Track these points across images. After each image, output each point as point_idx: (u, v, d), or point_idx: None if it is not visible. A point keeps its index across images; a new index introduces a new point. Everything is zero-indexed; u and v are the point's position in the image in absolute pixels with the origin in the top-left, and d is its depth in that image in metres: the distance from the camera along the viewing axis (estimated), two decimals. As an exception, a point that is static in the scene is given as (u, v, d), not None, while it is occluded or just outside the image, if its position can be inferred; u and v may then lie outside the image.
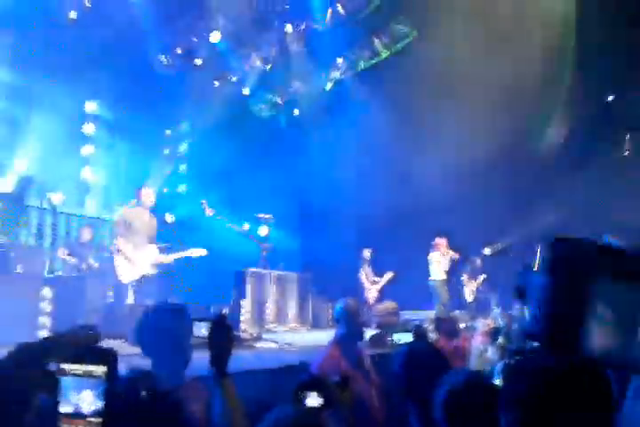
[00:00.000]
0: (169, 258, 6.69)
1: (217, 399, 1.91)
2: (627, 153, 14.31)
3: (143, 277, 6.42)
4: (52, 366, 1.49)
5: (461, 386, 1.73)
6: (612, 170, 12.88)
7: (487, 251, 13.64)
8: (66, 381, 1.36)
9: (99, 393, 1.33)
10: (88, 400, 1.33)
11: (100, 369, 1.35)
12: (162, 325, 2.47)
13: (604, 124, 12.97)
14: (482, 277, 11.45)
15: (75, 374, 1.36)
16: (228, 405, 1.90)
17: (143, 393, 1.33)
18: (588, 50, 11.85)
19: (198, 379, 2.38)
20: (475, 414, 1.57)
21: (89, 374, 1.36)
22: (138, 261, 6.34)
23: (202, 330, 2.07)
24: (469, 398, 1.65)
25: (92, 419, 1.33)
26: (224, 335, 2.02)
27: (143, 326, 2.59)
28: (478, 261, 11.56)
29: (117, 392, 1.38)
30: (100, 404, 1.32)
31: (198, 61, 11.83)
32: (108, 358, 1.37)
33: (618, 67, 11.65)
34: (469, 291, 11.16)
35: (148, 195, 6.55)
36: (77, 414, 1.33)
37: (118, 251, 6.32)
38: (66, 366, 1.36)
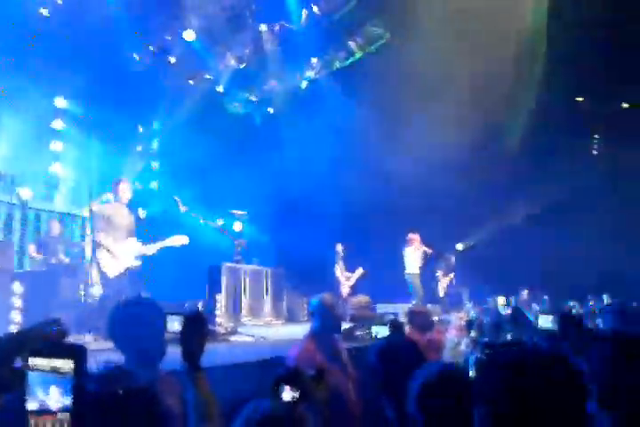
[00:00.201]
0: (151, 248, 6.62)
1: (190, 394, 1.90)
2: (595, 152, 14.61)
3: (127, 269, 6.35)
4: (18, 362, 1.44)
5: (435, 379, 1.74)
6: (582, 167, 13.14)
7: (459, 247, 13.83)
8: (32, 376, 1.32)
9: (66, 389, 1.29)
10: (55, 396, 1.30)
11: (67, 364, 1.31)
12: (134, 319, 2.44)
13: (574, 122, 13.21)
14: (451, 275, 11.65)
15: (41, 370, 1.32)
16: (202, 400, 1.89)
17: (117, 389, 1.30)
18: (559, 50, 12.06)
19: (172, 373, 2.36)
20: (448, 406, 1.58)
21: (56, 370, 1.32)
22: (121, 254, 6.28)
23: (175, 324, 2.05)
24: (443, 391, 1.67)
25: (61, 416, 1.30)
26: (198, 330, 2.01)
27: (115, 321, 2.56)
28: (452, 259, 11.74)
29: (88, 388, 1.35)
30: (67, 400, 1.28)
31: (172, 59, 11.71)
32: (76, 353, 1.33)
33: (588, 68, 11.89)
34: (442, 286, 11.31)
35: (125, 189, 6.46)
36: (45, 411, 1.30)
37: (100, 245, 6.24)
38: (32, 362, 1.32)
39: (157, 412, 1.29)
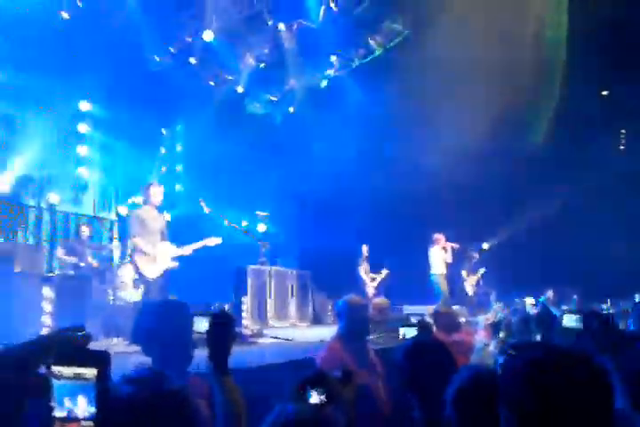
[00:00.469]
0: (187, 249, 6.66)
1: (217, 397, 1.90)
2: (622, 147, 14.33)
3: (166, 270, 6.43)
4: (42, 370, 1.42)
5: (469, 383, 1.72)
6: (609, 163, 12.90)
7: (485, 246, 13.67)
8: (59, 385, 1.31)
9: (92, 397, 1.27)
10: (83, 405, 1.28)
11: (91, 372, 1.30)
12: (161, 322, 2.44)
13: (600, 118, 12.99)
14: (481, 270, 11.47)
15: (65, 377, 1.31)
16: (230, 403, 1.89)
17: (150, 391, 1.30)
18: (581, 45, 11.87)
19: (200, 375, 2.37)
20: (483, 411, 1.56)
21: (80, 377, 1.31)
22: (159, 256, 6.35)
23: (202, 325, 2.03)
24: (477, 396, 1.64)
25: (85, 423, 1.28)
26: (225, 331, 2.00)
27: (141, 324, 2.57)
28: (476, 256, 11.59)
29: (122, 390, 1.35)
30: (93, 408, 1.26)
31: (192, 60, 11.81)
32: (100, 360, 1.31)
33: (610, 61, 11.68)
34: (469, 286, 11.19)
35: (157, 193, 6.49)
36: (71, 419, 1.29)
37: (138, 249, 6.30)
38: (56, 369, 1.31)
39: (189, 415, 1.29)
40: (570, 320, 2.60)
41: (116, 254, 9.47)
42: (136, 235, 6.31)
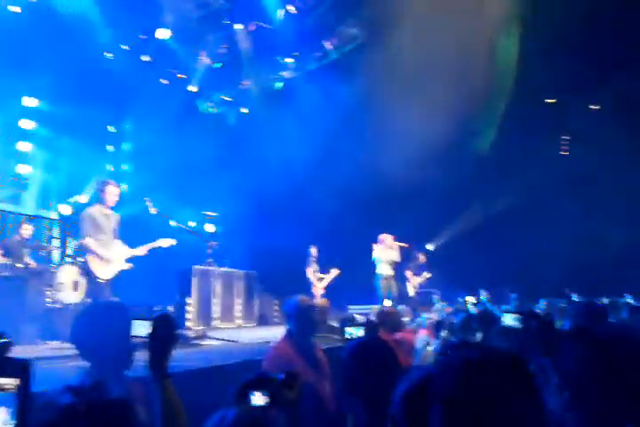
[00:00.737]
0: (141, 250, 6.49)
1: (157, 401, 1.87)
2: (562, 153, 14.89)
3: (119, 272, 6.23)
4: None
5: (420, 385, 1.74)
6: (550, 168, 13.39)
7: (430, 247, 13.94)
8: None
9: (13, 409, 1.21)
10: (2, 416, 1.21)
11: (11, 382, 1.24)
12: (99, 325, 2.36)
13: (543, 124, 13.45)
14: (426, 274, 11.65)
15: None
16: (168, 408, 1.85)
17: (92, 400, 1.24)
18: (531, 53, 12.26)
19: (139, 380, 2.32)
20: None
21: (0, 388, 1.24)
22: (112, 257, 6.16)
23: (142, 330, 2.00)
24: (424, 398, 1.66)
25: None
26: (165, 335, 1.97)
27: (80, 327, 2.49)
28: (421, 257, 11.77)
29: (62, 400, 1.30)
30: (14, 421, 1.19)
31: (145, 58, 11.57)
32: (21, 368, 1.26)
33: (559, 69, 12.11)
34: (411, 287, 11.35)
35: (113, 193, 6.26)
36: None
37: (89, 250, 6.08)
38: None
39: (130, 425, 1.26)
40: (509, 320, 2.68)
41: (56, 255, 9.16)
42: (88, 235, 6.10)
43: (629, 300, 8.93)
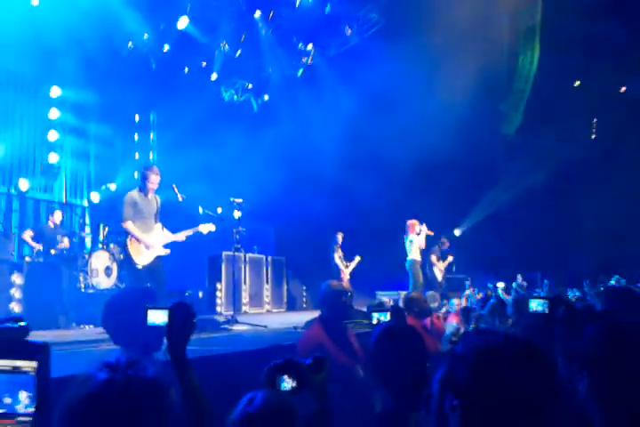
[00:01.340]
0: (180, 236, 6.53)
1: (176, 389, 1.88)
2: (593, 137, 14.59)
3: (157, 258, 6.28)
4: None
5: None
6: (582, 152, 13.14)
7: (457, 232, 13.81)
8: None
9: (32, 391, 1.22)
10: (22, 399, 1.22)
11: (30, 365, 1.24)
12: (130, 310, 2.37)
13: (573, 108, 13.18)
14: (450, 257, 11.54)
15: (3, 371, 1.24)
16: (187, 395, 1.86)
17: (129, 377, 1.25)
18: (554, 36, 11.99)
19: (168, 363, 2.34)
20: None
21: (18, 371, 1.25)
22: (151, 242, 6.18)
23: (159, 318, 1.98)
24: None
25: (24, 418, 1.23)
26: (183, 323, 1.96)
27: (110, 312, 2.53)
28: (446, 242, 11.65)
29: (99, 376, 1.30)
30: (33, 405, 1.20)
31: (166, 47, 11.61)
32: (39, 352, 1.26)
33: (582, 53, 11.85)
34: (439, 271, 11.26)
35: (155, 181, 6.28)
36: (9, 415, 1.23)
37: (129, 234, 6.13)
38: None
39: (166, 402, 1.27)
40: (537, 305, 2.64)
41: (88, 242, 9.32)
42: (128, 219, 6.14)
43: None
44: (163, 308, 2.00)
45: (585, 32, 11.41)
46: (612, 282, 9.56)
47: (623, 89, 13.69)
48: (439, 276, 11.22)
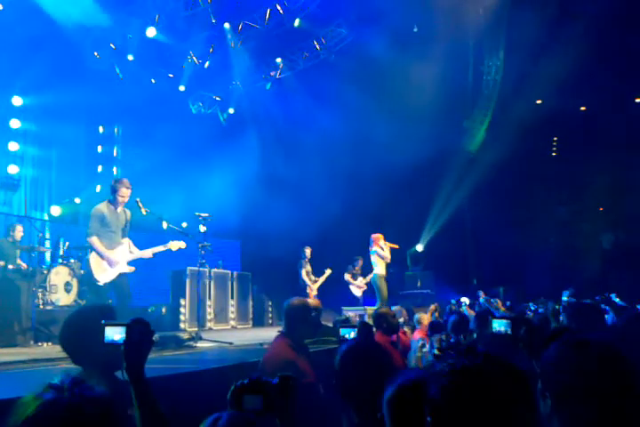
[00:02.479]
0: (148, 253, 6.33)
1: (134, 409, 1.84)
2: (553, 154, 14.98)
3: (120, 275, 6.09)
4: None
5: (408, 390, 1.71)
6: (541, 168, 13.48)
7: (419, 247, 13.95)
8: None
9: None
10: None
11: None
12: (89, 328, 2.30)
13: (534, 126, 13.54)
14: (370, 276, 11.42)
15: None
16: (145, 412, 1.82)
17: (73, 397, 1.22)
18: (518, 55, 12.34)
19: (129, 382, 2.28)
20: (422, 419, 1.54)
21: None
22: (115, 259, 5.98)
23: (115, 335, 1.95)
24: (415, 402, 1.63)
25: None
26: (141, 340, 1.93)
27: (69, 330, 2.45)
28: (360, 260, 11.49)
29: (45, 397, 1.27)
30: None
31: (133, 57, 11.51)
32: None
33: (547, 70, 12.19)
34: (355, 288, 11.24)
35: (126, 194, 6.10)
36: None
37: (93, 250, 5.93)
38: None
39: (113, 422, 1.23)
40: (499, 325, 2.66)
41: (47, 256, 9.07)
42: (94, 233, 5.97)
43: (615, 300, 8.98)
44: (120, 324, 1.95)
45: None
46: (564, 298, 9.76)
47: (583, 108, 14.13)
48: (357, 293, 11.18)
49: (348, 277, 11.09)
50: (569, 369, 1.55)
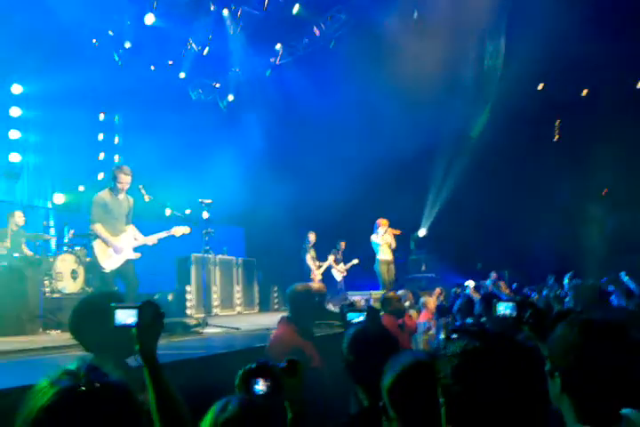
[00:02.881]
0: (152, 239, 6.34)
1: (149, 392, 1.85)
2: (556, 138, 14.90)
3: (126, 262, 6.11)
4: None
5: (407, 370, 1.72)
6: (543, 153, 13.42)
7: (421, 232, 13.96)
8: None
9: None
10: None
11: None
12: (96, 313, 2.29)
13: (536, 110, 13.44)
14: (354, 261, 11.34)
15: None
16: (159, 396, 1.83)
17: (88, 384, 1.22)
18: (518, 39, 12.19)
19: (140, 368, 2.29)
20: (422, 398, 1.56)
21: None
22: (120, 246, 5.98)
23: (127, 318, 1.95)
24: (415, 382, 1.64)
25: None
26: (152, 322, 1.94)
27: (77, 316, 2.46)
28: (343, 244, 11.48)
29: (61, 384, 1.26)
30: None
31: (128, 44, 11.43)
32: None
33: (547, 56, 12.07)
34: (337, 272, 11.22)
35: (125, 181, 6.10)
36: None
37: (97, 237, 5.95)
38: None
39: (130, 409, 1.23)
40: (504, 308, 2.67)
41: (53, 244, 9.10)
42: (97, 221, 5.98)
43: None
44: (131, 307, 1.96)
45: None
46: (566, 281, 9.76)
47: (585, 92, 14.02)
48: (338, 277, 11.18)
49: (331, 259, 10.99)
50: (575, 348, 1.57)
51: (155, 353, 1.93)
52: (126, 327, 1.95)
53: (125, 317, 1.96)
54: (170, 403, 1.84)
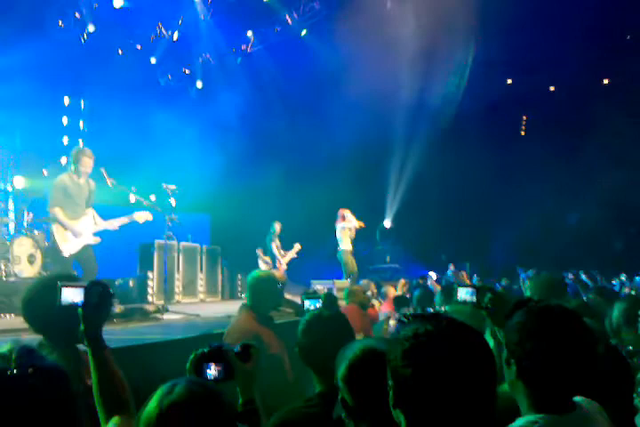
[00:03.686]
0: (114, 223, 6.21)
1: (93, 376, 1.82)
2: (522, 133, 15.14)
3: (85, 246, 5.98)
4: None
5: (359, 359, 1.72)
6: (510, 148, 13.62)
7: (387, 223, 14.07)
8: None
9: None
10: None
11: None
12: (49, 298, 2.27)
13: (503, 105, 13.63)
14: (297, 246, 11.16)
15: None
16: (103, 378, 1.80)
17: (21, 367, 1.18)
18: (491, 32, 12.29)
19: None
20: (375, 385, 1.56)
21: None
22: (79, 230, 5.87)
23: (73, 297, 1.90)
24: (368, 371, 1.64)
25: None
26: (99, 302, 1.90)
27: (31, 301, 2.40)
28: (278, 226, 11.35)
29: None
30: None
31: (91, 28, 11.15)
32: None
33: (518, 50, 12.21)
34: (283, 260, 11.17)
35: (88, 163, 5.94)
36: None
37: (56, 221, 5.80)
38: None
39: (62, 394, 1.20)
40: (464, 293, 2.70)
41: (12, 228, 8.87)
42: (56, 205, 5.83)
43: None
44: (78, 285, 1.92)
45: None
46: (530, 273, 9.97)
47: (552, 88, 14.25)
48: (283, 265, 11.08)
49: (274, 247, 10.69)
50: (532, 335, 1.59)
51: (100, 335, 1.90)
52: (72, 307, 1.89)
53: (72, 296, 1.91)
54: (112, 387, 1.81)
